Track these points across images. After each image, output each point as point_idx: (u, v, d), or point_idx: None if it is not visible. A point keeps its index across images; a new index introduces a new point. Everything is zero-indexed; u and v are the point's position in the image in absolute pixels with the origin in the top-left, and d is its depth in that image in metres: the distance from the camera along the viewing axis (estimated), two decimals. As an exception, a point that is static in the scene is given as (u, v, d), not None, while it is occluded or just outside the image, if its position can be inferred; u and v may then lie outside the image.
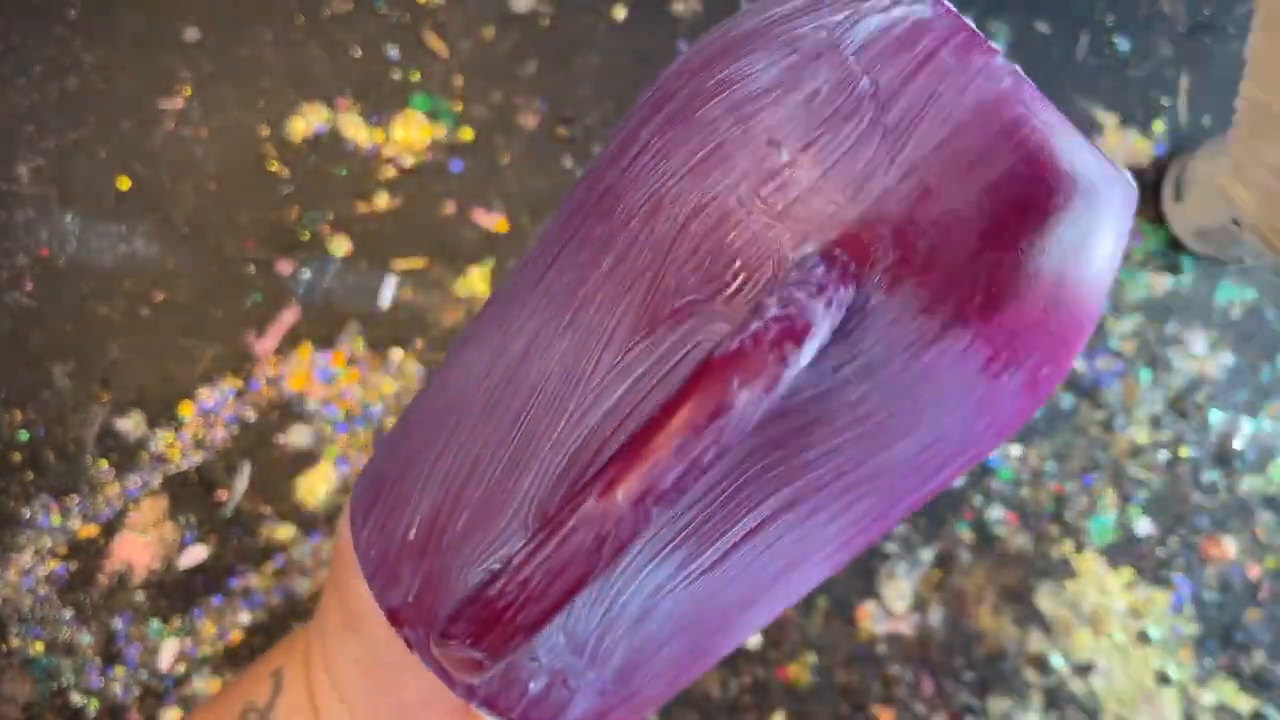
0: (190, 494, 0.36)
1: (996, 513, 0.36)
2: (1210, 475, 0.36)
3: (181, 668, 0.36)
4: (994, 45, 0.13)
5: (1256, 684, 0.35)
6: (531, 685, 0.17)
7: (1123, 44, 0.37)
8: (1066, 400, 0.36)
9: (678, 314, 0.14)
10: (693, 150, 0.15)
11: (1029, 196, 0.13)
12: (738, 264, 0.14)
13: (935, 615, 0.36)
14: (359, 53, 0.38)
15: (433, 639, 0.15)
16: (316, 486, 0.37)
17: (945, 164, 0.13)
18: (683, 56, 0.16)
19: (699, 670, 0.18)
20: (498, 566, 0.15)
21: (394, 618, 0.16)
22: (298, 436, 0.37)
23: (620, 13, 0.38)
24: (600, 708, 0.18)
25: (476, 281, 0.37)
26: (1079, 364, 0.36)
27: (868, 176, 0.14)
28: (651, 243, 0.15)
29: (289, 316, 0.37)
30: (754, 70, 0.15)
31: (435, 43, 0.38)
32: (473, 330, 0.17)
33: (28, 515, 0.36)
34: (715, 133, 0.15)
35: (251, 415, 0.37)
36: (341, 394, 0.37)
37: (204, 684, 0.36)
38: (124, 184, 0.37)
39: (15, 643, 0.36)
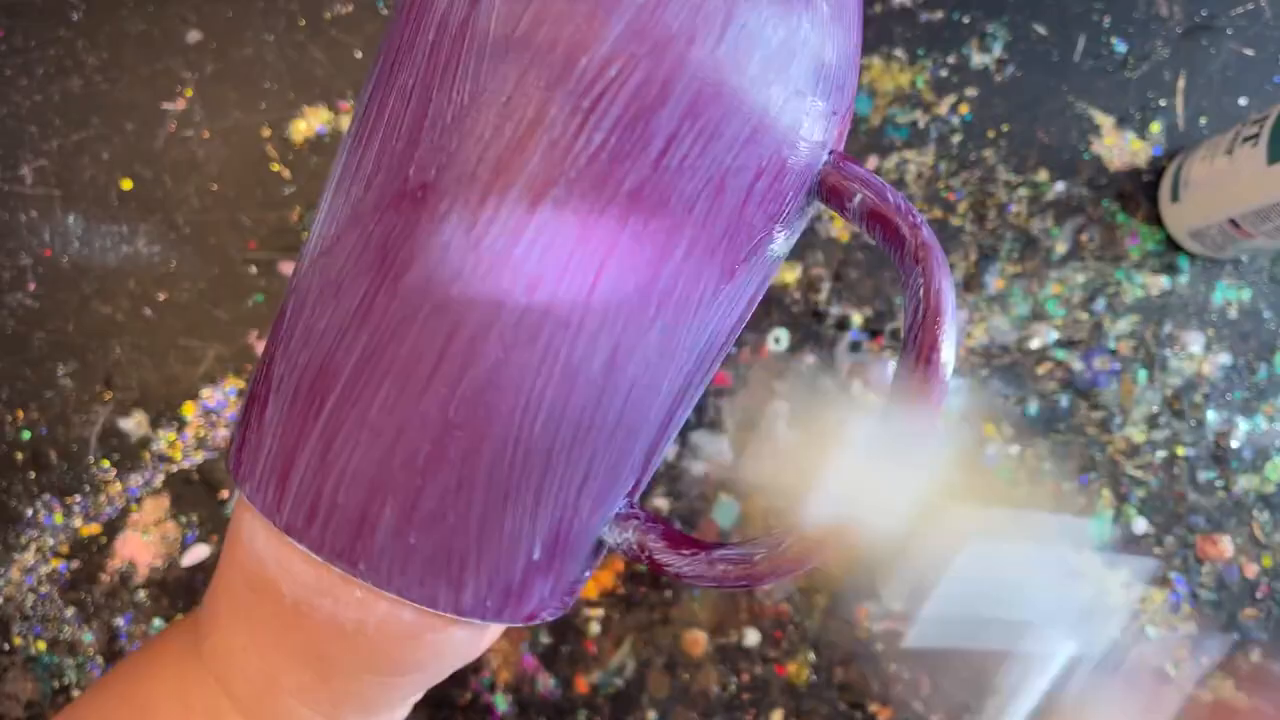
0: (192, 493, 0.37)
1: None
2: (1207, 474, 0.36)
3: (183, 666, 0.36)
4: None
5: (1254, 683, 0.35)
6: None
7: (1119, 46, 0.37)
8: (1063, 400, 0.36)
9: (745, 257, 0.18)
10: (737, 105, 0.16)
11: None
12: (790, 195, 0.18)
13: (933, 614, 0.36)
14: (360, 55, 0.38)
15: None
16: (318, 486, 0.37)
17: None
18: None
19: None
20: (625, 505, 0.19)
21: (530, 617, 0.19)
22: (299, 436, 0.37)
23: (620, 15, 0.38)
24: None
25: (477, 282, 0.37)
26: (1076, 364, 0.37)
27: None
28: (728, 204, 0.17)
29: (291, 317, 0.37)
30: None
31: (436, 44, 0.38)
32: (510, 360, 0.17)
33: (30, 514, 0.37)
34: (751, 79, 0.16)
35: (253, 415, 0.37)
36: (343, 394, 0.37)
37: (206, 682, 0.36)
38: (127, 185, 0.38)
39: (18, 641, 0.36)
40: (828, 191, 0.18)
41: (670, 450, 0.36)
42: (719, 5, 0.15)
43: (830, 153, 0.18)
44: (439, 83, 0.16)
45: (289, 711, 0.19)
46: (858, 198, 0.17)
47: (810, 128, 0.17)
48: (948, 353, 0.16)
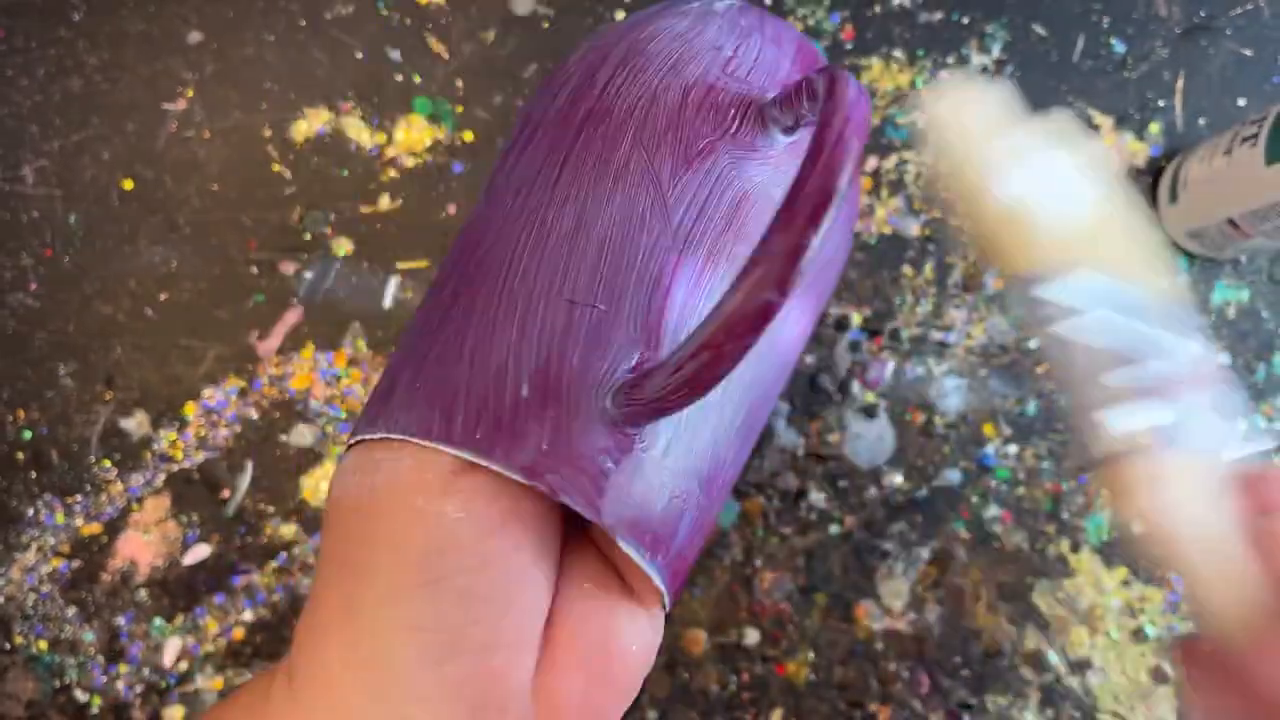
0: (193, 493, 0.37)
1: (993, 511, 0.36)
2: (1205, 474, 0.36)
3: (184, 665, 0.36)
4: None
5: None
6: (660, 505, 0.21)
7: (1118, 46, 0.38)
8: (1062, 399, 0.36)
9: (704, 150, 0.21)
10: (664, 62, 0.22)
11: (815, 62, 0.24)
12: (732, 111, 0.21)
13: (932, 613, 0.36)
14: (361, 55, 0.38)
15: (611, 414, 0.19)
16: (319, 485, 0.37)
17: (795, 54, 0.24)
18: (590, 41, 0.23)
19: (738, 468, 0.23)
20: (628, 374, 0.20)
21: (531, 471, 0.19)
22: (300, 436, 0.37)
23: (621, 16, 0.38)
24: (696, 520, 0.22)
25: (477, 282, 0.37)
26: (1075, 364, 0.37)
27: (775, 60, 0.23)
28: (665, 114, 0.21)
29: (292, 317, 0.37)
30: (671, 23, 0.23)
31: (437, 45, 0.38)
32: (493, 238, 0.21)
33: (31, 514, 0.37)
34: (673, 50, 0.22)
35: (254, 415, 0.37)
36: (344, 394, 0.37)
37: (207, 681, 0.36)
38: (128, 185, 0.38)
39: (19, 640, 0.36)
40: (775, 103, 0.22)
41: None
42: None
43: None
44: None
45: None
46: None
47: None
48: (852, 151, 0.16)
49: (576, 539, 0.22)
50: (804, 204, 0.16)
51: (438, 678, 0.17)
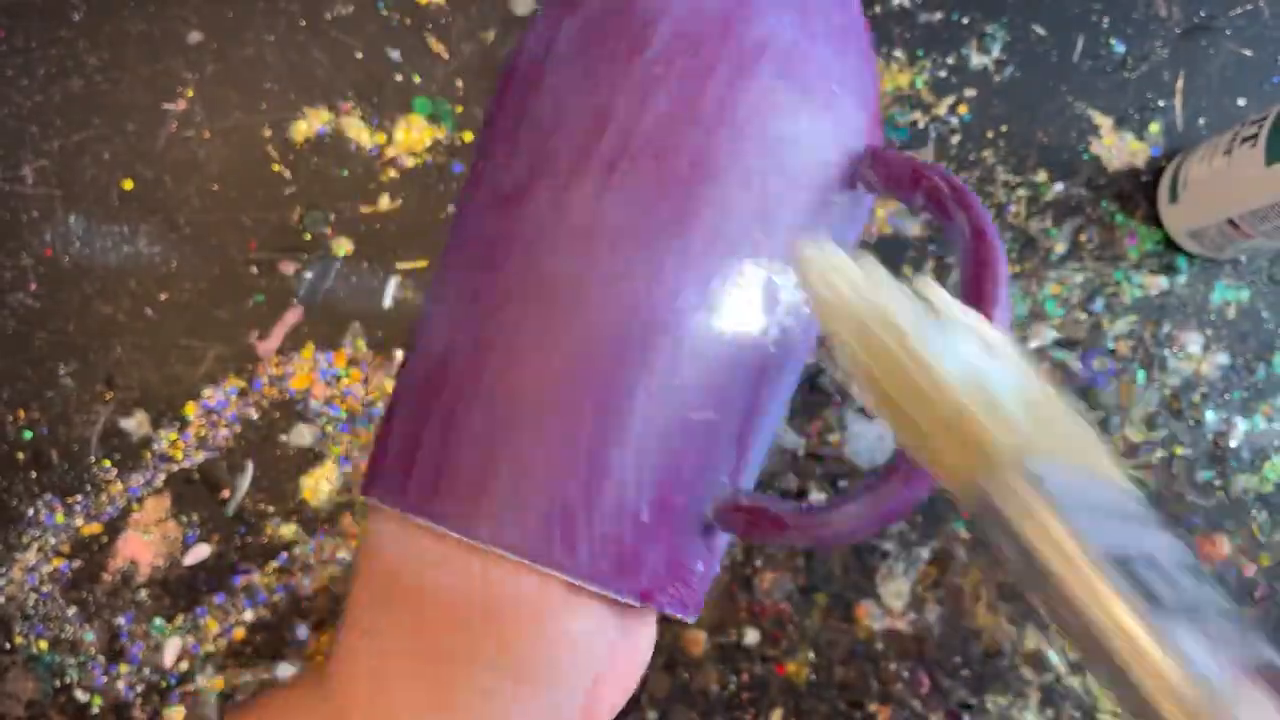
0: (193, 493, 0.37)
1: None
2: (1205, 474, 0.36)
3: (185, 665, 0.36)
4: None
5: (1251, 681, 0.35)
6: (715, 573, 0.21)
7: (1118, 46, 0.38)
8: (1063, 400, 0.36)
9: (802, 230, 0.20)
10: (775, 111, 0.20)
11: None
12: (835, 176, 0.20)
13: (932, 613, 0.36)
14: (361, 55, 0.38)
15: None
16: (319, 485, 0.37)
17: None
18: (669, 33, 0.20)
19: None
20: (725, 483, 0.20)
21: (645, 595, 0.19)
22: (300, 436, 0.37)
23: (620, 15, 0.38)
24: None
25: (477, 282, 0.37)
26: (1075, 364, 0.37)
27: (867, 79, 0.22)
28: (778, 189, 0.19)
29: (291, 317, 0.37)
30: (783, 32, 0.20)
31: (437, 45, 0.38)
32: (597, 321, 0.19)
33: (31, 514, 0.37)
34: (781, 89, 0.19)
35: (254, 415, 0.37)
36: (344, 394, 0.37)
37: (207, 681, 0.36)
38: (128, 185, 0.38)
39: (19, 640, 0.36)
40: (869, 171, 0.20)
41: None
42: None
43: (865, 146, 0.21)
44: (526, 109, 0.20)
45: None
46: (895, 171, 0.20)
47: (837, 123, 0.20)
48: (1003, 266, 0.18)
49: None
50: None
51: None
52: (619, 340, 0.18)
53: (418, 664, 0.19)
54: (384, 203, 0.38)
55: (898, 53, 0.38)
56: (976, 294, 0.18)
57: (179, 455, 0.37)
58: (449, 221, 0.21)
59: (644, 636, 0.21)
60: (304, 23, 0.38)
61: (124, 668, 0.36)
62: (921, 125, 0.37)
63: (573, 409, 0.18)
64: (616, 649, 0.20)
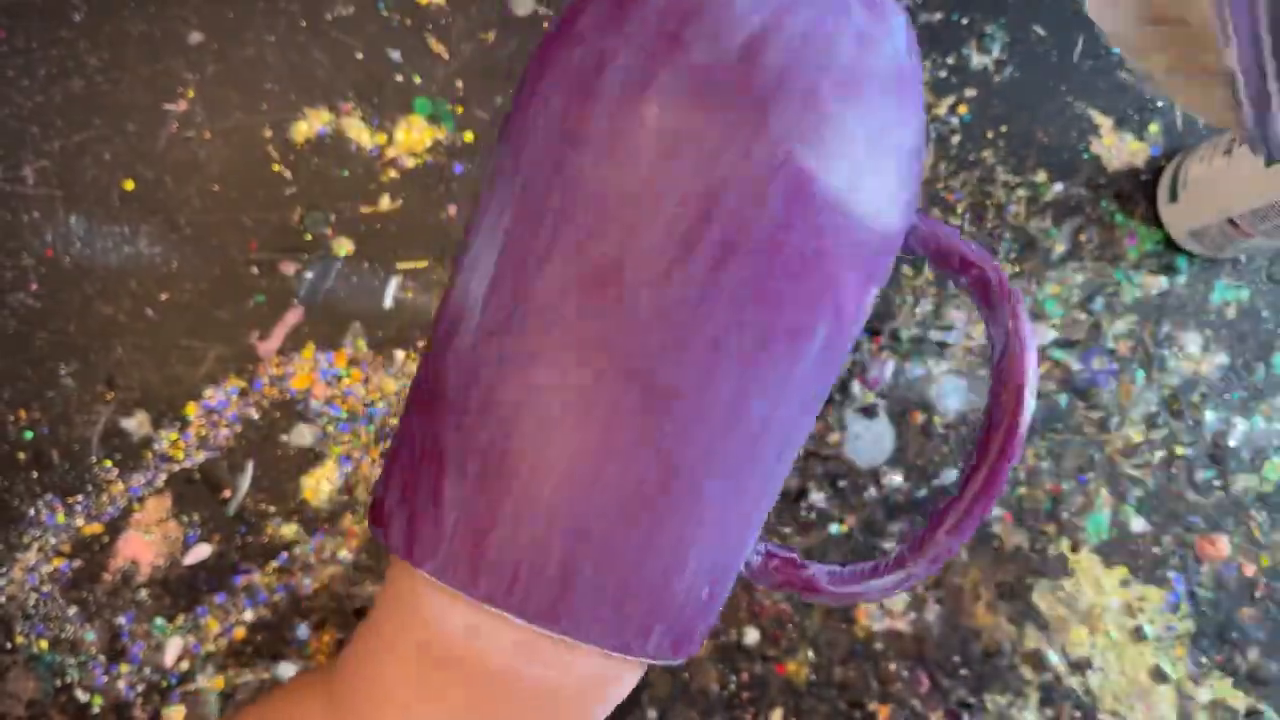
0: (194, 493, 0.37)
1: (993, 511, 0.36)
2: (1205, 474, 0.36)
3: (186, 665, 0.36)
4: None
5: (1251, 681, 0.35)
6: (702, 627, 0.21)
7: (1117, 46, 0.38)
8: (1062, 400, 0.36)
9: (855, 303, 0.20)
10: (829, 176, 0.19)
11: None
12: (879, 254, 0.21)
13: (932, 613, 0.36)
14: (361, 56, 0.38)
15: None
16: (320, 485, 0.37)
17: None
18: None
19: None
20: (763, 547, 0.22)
21: (688, 658, 0.21)
22: (301, 436, 0.37)
23: (620, 16, 0.38)
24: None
25: (478, 282, 0.37)
26: (1074, 363, 0.37)
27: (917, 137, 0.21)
28: (830, 261, 0.20)
29: (292, 317, 0.37)
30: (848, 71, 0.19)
31: (437, 46, 0.38)
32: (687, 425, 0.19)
33: (32, 513, 0.37)
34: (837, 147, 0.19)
35: (255, 415, 0.37)
36: (345, 394, 0.37)
37: (208, 681, 0.36)
38: (128, 185, 0.38)
39: (20, 640, 0.36)
40: (918, 245, 0.21)
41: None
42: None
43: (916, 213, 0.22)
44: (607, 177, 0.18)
45: None
46: (944, 246, 0.21)
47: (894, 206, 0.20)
48: (1032, 381, 0.20)
49: None
50: (1009, 453, 0.20)
51: None
52: (702, 445, 0.18)
53: None
54: (384, 203, 0.38)
55: (897, 53, 0.38)
56: (1009, 384, 0.20)
57: (180, 455, 0.37)
58: (454, 222, 0.20)
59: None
60: (304, 23, 0.38)
61: (124, 667, 0.36)
62: (921, 125, 0.38)
63: (655, 509, 0.18)
64: None
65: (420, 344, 0.37)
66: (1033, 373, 0.20)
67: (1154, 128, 0.37)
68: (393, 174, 0.38)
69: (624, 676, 0.20)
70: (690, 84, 0.18)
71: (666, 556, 0.18)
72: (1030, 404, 0.20)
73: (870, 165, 0.19)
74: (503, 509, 0.18)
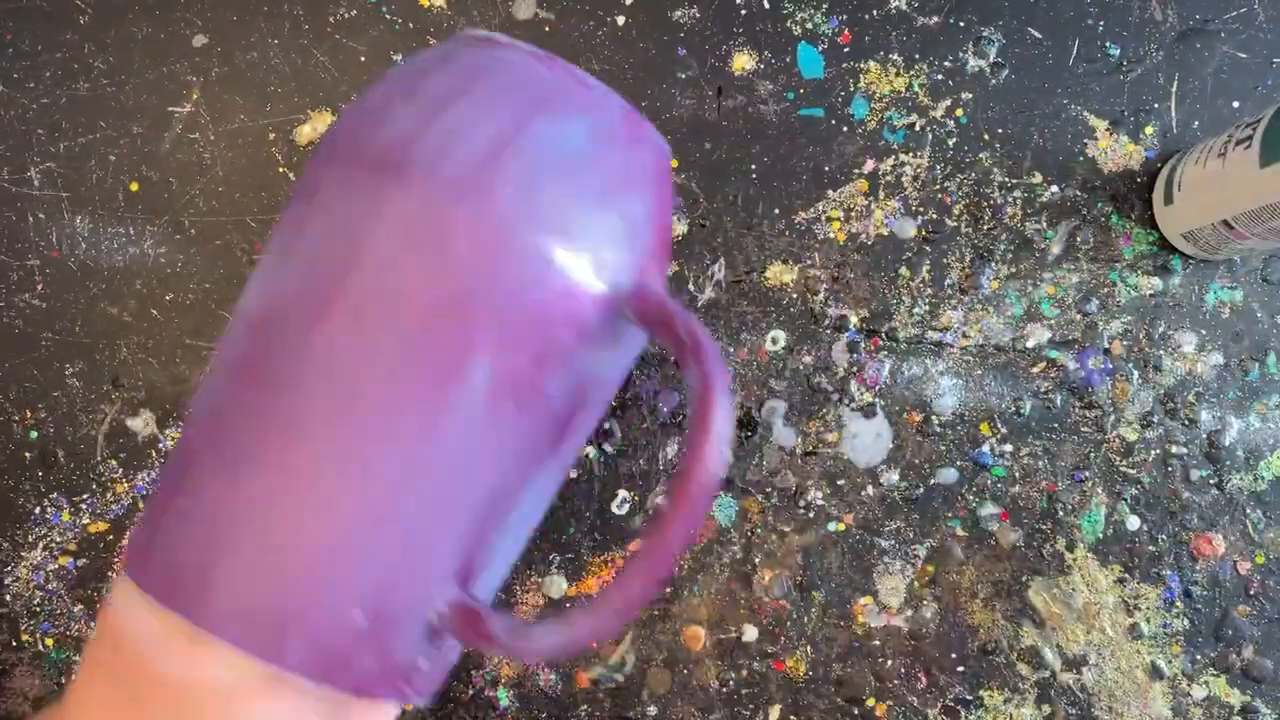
0: (198, 491, 0.37)
1: (989, 509, 0.36)
2: (1200, 473, 0.36)
3: (190, 662, 0.36)
4: None
5: (1246, 678, 0.36)
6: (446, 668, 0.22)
7: (1113, 49, 0.38)
8: (1058, 400, 0.37)
9: (561, 351, 0.22)
10: (526, 222, 0.21)
11: None
12: (591, 310, 0.22)
13: (929, 610, 0.36)
14: (364, 59, 0.38)
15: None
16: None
17: None
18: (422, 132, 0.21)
19: None
20: (455, 591, 0.21)
21: (359, 689, 0.20)
22: (304, 435, 0.37)
23: (621, 20, 0.38)
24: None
25: (479, 283, 0.37)
26: (1070, 364, 0.37)
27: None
28: (526, 310, 0.21)
29: (295, 317, 0.38)
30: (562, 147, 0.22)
31: (439, 49, 0.39)
32: (316, 428, 0.20)
33: (38, 512, 0.37)
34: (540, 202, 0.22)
35: (259, 414, 0.37)
36: (347, 393, 0.37)
37: (212, 678, 0.36)
38: (134, 187, 0.38)
39: (26, 638, 0.37)
40: (628, 308, 0.22)
41: (670, 449, 0.37)
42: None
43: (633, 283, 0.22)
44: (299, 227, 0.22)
45: None
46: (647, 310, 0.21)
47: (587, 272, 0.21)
48: (723, 426, 0.19)
49: None
50: (687, 507, 0.18)
51: None
52: (343, 464, 0.20)
53: None
54: (387, 204, 0.38)
55: (895, 56, 0.38)
56: (695, 440, 0.19)
57: (184, 454, 0.37)
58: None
59: None
60: (308, 26, 0.39)
61: (130, 664, 0.36)
62: (918, 128, 0.38)
63: (300, 523, 0.20)
64: None
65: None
66: (723, 411, 0.19)
67: (1149, 130, 0.38)
68: (395, 176, 0.38)
69: (257, 697, 0.20)
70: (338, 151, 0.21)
71: (302, 571, 0.19)
72: (721, 456, 0.19)
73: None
74: (170, 512, 0.21)
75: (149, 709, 0.19)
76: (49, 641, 0.37)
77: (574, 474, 0.37)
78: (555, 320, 0.21)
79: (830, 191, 0.38)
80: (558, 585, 0.37)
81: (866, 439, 0.37)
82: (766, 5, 0.38)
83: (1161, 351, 0.37)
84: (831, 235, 0.38)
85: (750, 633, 0.36)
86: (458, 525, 0.21)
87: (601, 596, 0.19)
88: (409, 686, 0.21)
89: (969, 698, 0.36)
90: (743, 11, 0.38)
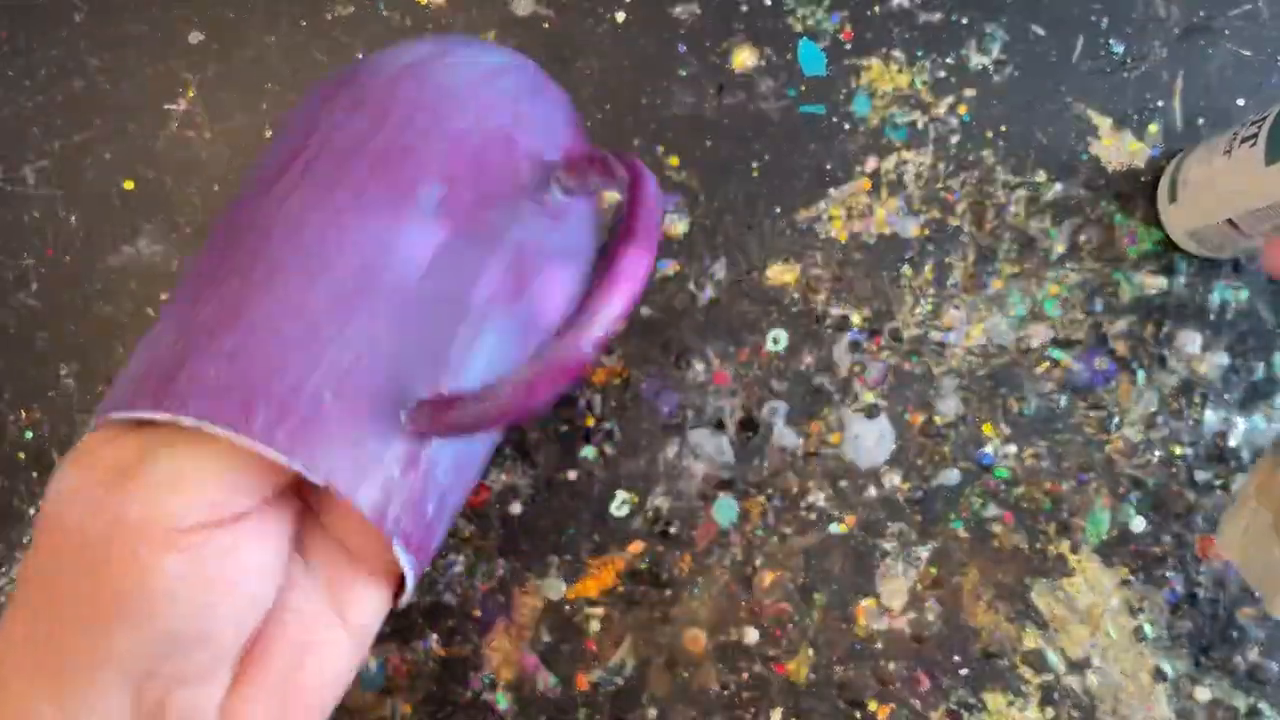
0: (194, 492, 0.37)
1: (992, 511, 0.36)
2: (1204, 474, 0.36)
3: (186, 664, 0.36)
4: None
5: (1252, 680, 0.35)
6: (430, 513, 0.23)
7: (1117, 47, 0.38)
8: (1062, 400, 0.36)
9: (503, 201, 0.25)
10: (465, 108, 0.25)
11: None
12: (526, 166, 0.26)
13: (931, 613, 0.36)
14: (361, 56, 0.38)
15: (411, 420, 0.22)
16: (319, 485, 0.37)
17: None
18: (370, 71, 0.26)
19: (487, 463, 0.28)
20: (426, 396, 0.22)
21: (332, 477, 0.21)
22: (301, 435, 0.37)
23: (620, 16, 0.38)
24: (450, 518, 0.25)
25: (478, 282, 0.37)
26: (1074, 363, 0.37)
27: (555, 122, 0.28)
28: (471, 162, 0.25)
29: (292, 317, 0.37)
30: (466, 73, 0.26)
31: (437, 46, 0.38)
32: (301, 240, 0.23)
33: (33, 513, 0.37)
34: (472, 97, 0.26)
35: (255, 414, 0.37)
36: (344, 393, 0.37)
37: (208, 680, 0.36)
38: (129, 185, 0.38)
39: (21, 640, 0.36)
40: (562, 173, 0.25)
41: (670, 449, 0.37)
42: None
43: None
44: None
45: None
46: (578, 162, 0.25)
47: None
48: (651, 215, 0.21)
49: (310, 528, 0.23)
50: (619, 279, 0.20)
51: (127, 703, 0.19)
52: (307, 264, 0.22)
53: (33, 616, 0.19)
54: (384, 203, 0.38)
55: (897, 53, 0.38)
56: (629, 225, 0.21)
57: (180, 455, 0.37)
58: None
59: (358, 610, 0.22)
60: (305, 24, 0.38)
61: (125, 667, 0.36)
62: (921, 125, 0.38)
63: (266, 317, 0.21)
64: (319, 619, 0.21)
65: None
66: (652, 191, 0.21)
67: (1153, 128, 0.37)
68: (393, 174, 0.38)
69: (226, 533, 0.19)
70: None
71: (268, 355, 0.21)
72: (656, 212, 0.21)
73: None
74: (138, 351, 0.24)
75: (63, 576, 0.19)
76: (44, 644, 0.36)
77: (572, 475, 0.37)
78: (492, 166, 0.24)
79: (832, 189, 0.38)
80: (556, 587, 0.36)
81: (869, 440, 0.37)
82: (768, 1, 0.38)
83: (1166, 351, 0.37)
84: (833, 234, 0.37)
85: (751, 635, 0.36)
86: (419, 331, 0.22)
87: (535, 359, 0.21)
88: (385, 499, 0.21)
89: (972, 700, 0.36)
90: (743, 8, 0.38)
